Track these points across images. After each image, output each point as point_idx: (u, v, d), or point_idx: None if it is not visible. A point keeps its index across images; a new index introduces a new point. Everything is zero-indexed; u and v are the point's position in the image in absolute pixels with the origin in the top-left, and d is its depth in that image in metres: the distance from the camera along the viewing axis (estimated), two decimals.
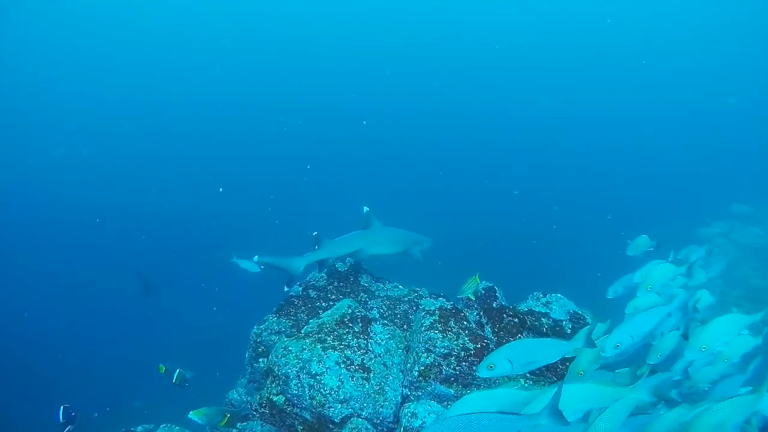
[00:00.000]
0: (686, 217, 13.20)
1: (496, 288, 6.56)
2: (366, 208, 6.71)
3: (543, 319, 5.20)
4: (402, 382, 4.90)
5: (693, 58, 32.36)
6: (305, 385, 4.60)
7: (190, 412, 5.10)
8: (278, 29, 38.35)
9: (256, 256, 6.22)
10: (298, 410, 4.70)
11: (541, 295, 5.58)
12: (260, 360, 5.99)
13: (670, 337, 3.73)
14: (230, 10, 39.09)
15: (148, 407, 5.97)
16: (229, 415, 5.23)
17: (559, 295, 5.52)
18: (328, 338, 4.98)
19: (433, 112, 28.33)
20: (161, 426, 4.96)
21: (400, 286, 6.99)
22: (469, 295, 5.48)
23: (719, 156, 23.29)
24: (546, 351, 3.24)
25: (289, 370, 4.68)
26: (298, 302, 6.40)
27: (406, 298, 6.61)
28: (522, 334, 5.00)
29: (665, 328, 3.86)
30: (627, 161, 22.96)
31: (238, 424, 6.11)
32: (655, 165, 22.21)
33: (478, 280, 5.43)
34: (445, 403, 4.62)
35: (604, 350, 3.41)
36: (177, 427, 5.07)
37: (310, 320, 5.43)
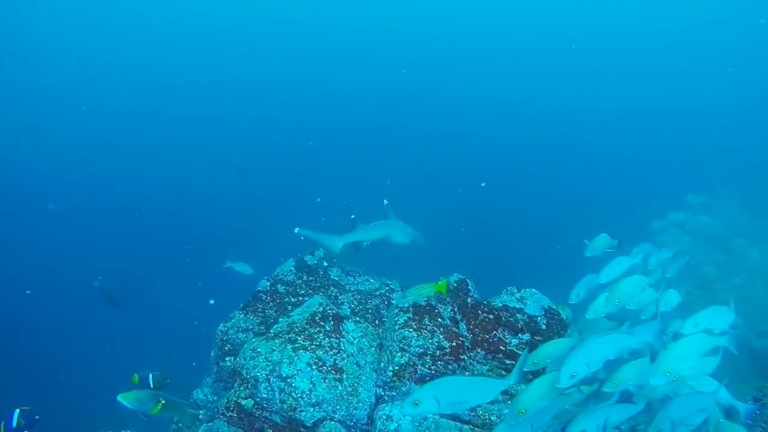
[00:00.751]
0: (646, 210, 13.52)
1: (468, 281, 6.50)
2: (386, 201, 7.23)
3: (518, 315, 5.15)
4: (376, 382, 4.76)
5: (656, 53, 33.03)
6: (275, 388, 4.40)
7: (119, 396, 4.58)
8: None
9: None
10: (268, 414, 4.50)
11: (515, 290, 5.53)
12: (227, 359, 5.74)
13: (635, 365, 3.34)
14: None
15: (104, 408, 5.58)
16: (163, 401, 4.73)
17: (534, 290, 5.48)
18: (299, 338, 4.78)
19: (409, 106, 28.16)
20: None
21: (371, 280, 6.84)
22: (417, 300, 5.05)
23: (678, 149, 24.05)
24: (476, 391, 3.06)
25: (258, 374, 4.46)
26: (266, 298, 6.15)
27: (377, 293, 6.46)
28: (497, 331, 4.94)
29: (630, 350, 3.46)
30: (595, 154, 23.44)
31: (205, 425, 5.85)
32: (618, 158, 22.77)
33: (442, 288, 4.73)
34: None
35: (558, 381, 3.07)
36: None
37: (280, 318, 5.20)
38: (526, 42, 33.60)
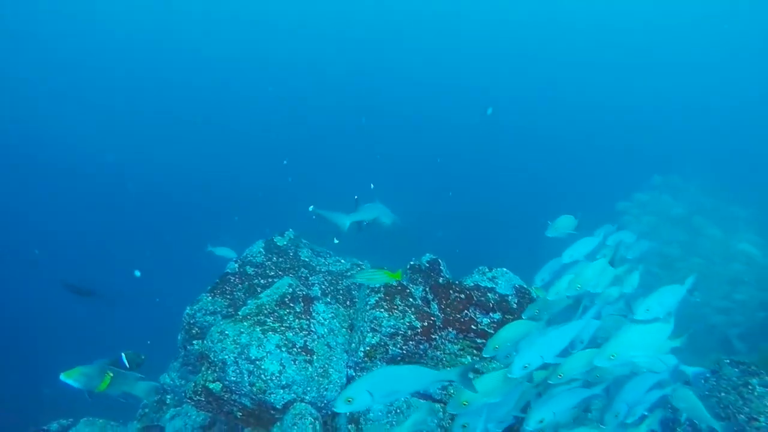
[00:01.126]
0: (615, 191, 13.76)
1: (440, 261, 6.49)
2: (372, 185, 8.04)
3: (489, 294, 5.17)
4: (347, 363, 4.72)
5: (639, 43, 33.31)
6: (244, 371, 4.31)
7: (62, 374, 4.15)
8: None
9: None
10: (237, 397, 4.42)
11: (487, 270, 5.54)
12: (194, 342, 5.61)
13: (581, 356, 3.32)
14: None
15: (60, 395, 5.33)
16: (111, 375, 4.35)
17: (505, 269, 5.51)
18: (268, 320, 4.68)
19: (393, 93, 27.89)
20: (81, 420, 4.47)
21: (342, 261, 6.76)
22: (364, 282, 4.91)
23: (650, 134, 24.49)
24: (410, 380, 2.99)
25: (226, 356, 4.35)
26: (234, 280, 6.01)
27: (348, 273, 6.39)
28: (469, 310, 4.95)
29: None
30: (565, 136, 23.72)
31: (173, 409, 5.72)
32: (592, 143, 23.09)
33: (397, 276, 4.59)
34: None
35: (511, 372, 3.04)
36: (100, 420, 4.60)
37: (248, 300, 5.09)
38: (495, 28, 33.46)
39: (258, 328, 4.55)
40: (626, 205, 13.29)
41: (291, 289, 5.07)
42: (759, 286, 9.55)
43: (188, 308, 5.64)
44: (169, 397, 5.85)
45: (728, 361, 5.27)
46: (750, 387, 4.85)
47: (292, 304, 4.93)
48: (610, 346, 3.26)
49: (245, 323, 4.59)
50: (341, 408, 2.77)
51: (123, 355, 4.95)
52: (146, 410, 5.84)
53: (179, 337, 5.72)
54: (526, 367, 3.04)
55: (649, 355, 3.38)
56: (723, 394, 5.05)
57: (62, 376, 4.09)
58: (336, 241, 6.91)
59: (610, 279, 4.21)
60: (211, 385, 4.46)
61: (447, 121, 24.61)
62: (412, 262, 6.40)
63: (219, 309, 5.64)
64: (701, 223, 11.86)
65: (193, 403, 4.61)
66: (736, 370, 5.19)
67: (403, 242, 7.58)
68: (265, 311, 4.77)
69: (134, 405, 6.06)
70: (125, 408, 5.91)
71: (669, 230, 12.21)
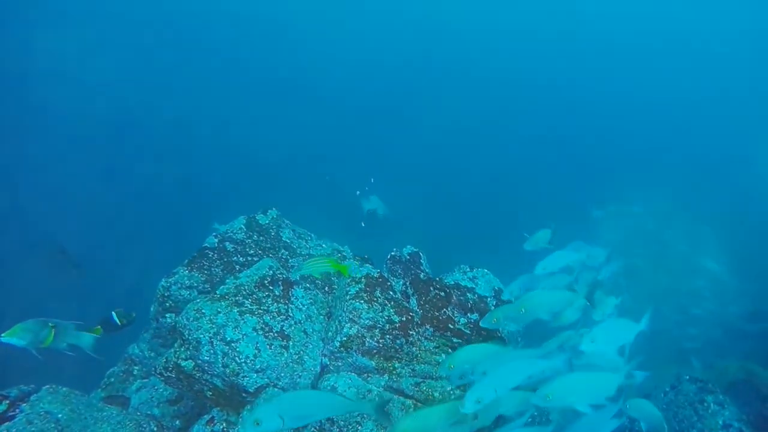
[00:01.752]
0: (593, 200, 13.97)
1: (420, 254, 6.53)
2: (372, 180, 9.32)
3: (468, 294, 5.23)
4: (322, 351, 4.73)
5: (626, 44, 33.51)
6: (218, 352, 4.26)
7: (2, 335, 3.92)
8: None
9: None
10: (209, 377, 4.38)
11: (468, 269, 5.60)
12: (167, 315, 5.52)
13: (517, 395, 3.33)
14: None
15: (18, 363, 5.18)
16: (53, 326, 4.16)
17: (486, 270, 5.57)
18: (246, 302, 4.63)
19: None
20: (44, 388, 4.35)
21: (323, 245, 6.72)
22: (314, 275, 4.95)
23: (633, 145, 24.79)
24: (322, 407, 3.01)
25: (201, 336, 4.29)
26: (212, 255, 5.91)
27: (335, 257, 6.36)
28: (447, 309, 5.00)
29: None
30: (547, 145, 23.84)
31: (139, 381, 5.65)
32: (579, 151, 23.26)
33: (343, 270, 4.68)
34: (365, 375, 4.54)
35: (463, 406, 2.96)
36: (64, 388, 4.48)
37: (227, 278, 5.01)
38: (478, 31, 33.27)
39: (235, 309, 4.49)
40: (600, 214, 13.55)
41: (271, 272, 5.02)
42: (719, 302, 9.95)
43: (163, 280, 5.52)
44: (136, 368, 5.76)
45: (687, 377, 5.49)
46: (705, 404, 5.08)
47: (271, 287, 4.88)
48: (548, 387, 3.26)
49: (223, 303, 4.53)
50: (249, 429, 2.74)
51: (113, 313, 4.89)
52: (112, 380, 5.74)
53: (152, 309, 5.61)
54: (479, 401, 2.96)
55: (590, 404, 3.34)
56: (679, 408, 5.27)
57: (3, 337, 3.91)
58: (363, 225, 7.93)
59: (577, 307, 4.26)
60: (183, 363, 4.40)
61: (445, 121, 24.53)
62: (393, 253, 6.42)
63: (195, 284, 5.54)
64: (671, 237, 12.22)
65: (163, 378, 4.55)
66: (694, 386, 5.42)
67: (391, 232, 7.74)
68: (244, 292, 4.71)
69: (97, 373, 5.96)
70: (88, 377, 5.81)
71: (639, 242, 12.52)
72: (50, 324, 4.18)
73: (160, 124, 20.96)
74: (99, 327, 4.48)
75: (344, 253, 6.59)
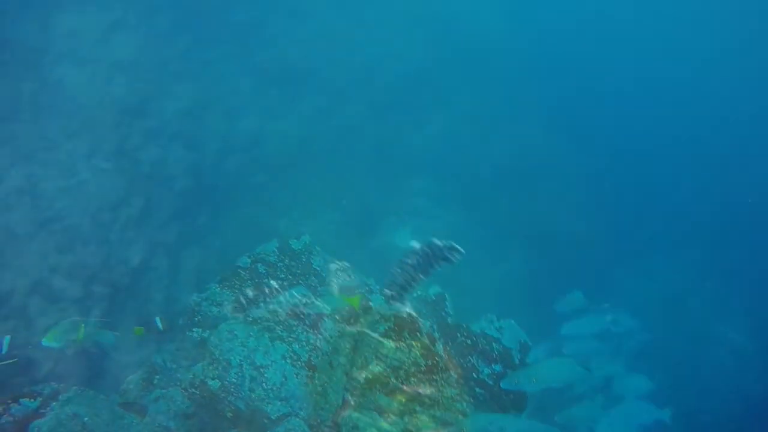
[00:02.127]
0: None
1: (446, 296, 6.55)
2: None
3: (494, 344, 5.24)
4: (345, 386, 4.75)
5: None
6: (247, 376, 4.33)
7: (43, 340, 4.33)
8: None
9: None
10: (233, 398, 4.43)
11: (495, 319, 5.61)
12: (194, 330, 5.61)
13: None
14: None
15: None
16: (84, 325, 4.56)
17: (512, 321, 5.58)
18: (278, 328, 4.71)
19: None
20: (73, 388, 4.46)
21: (351, 276, 6.79)
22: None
23: None
24: None
25: (232, 357, 4.38)
26: (244, 275, 6.03)
27: (357, 291, 6.43)
28: (472, 357, 5.01)
29: None
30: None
31: (158, 390, 5.71)
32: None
33: (354, 303, 4.83)
34: (386, 415, 4.54)
35: None
36: (90, 391, 4.59)
37: (260, 302, 5.12)
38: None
39: (267, 335, 4.58)
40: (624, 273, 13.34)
41: (304, 300, 5.10)
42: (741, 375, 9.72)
43: (195, 295, 5.64)
44: (157, 377, 5.83)
45: None
46: None
47: (302, 316, 4.96)
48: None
49: (255, 327, 4.62)
50: None
51: (157, 318, 5.09)
52: (131, 386, 5.81)
53: (180, 321, 5.71)
54: None
55: None
56: None
57: (44, 342, 4.31)
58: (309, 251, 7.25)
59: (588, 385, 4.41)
60: (211, 382, 4.47)
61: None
62: (419, 293, 6.46)
63: (226, 301, 5.65)
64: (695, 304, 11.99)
65: (187, 393, 4.61)
66: None
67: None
68: (276, 318, 4.79)
69: (118, 378, 6.03)
70: (108, 382, 5.89)
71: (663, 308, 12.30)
72: (81, 324, 4.51)
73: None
74: (141, 327, 4.69)
75: (370, 287, 6.66)
